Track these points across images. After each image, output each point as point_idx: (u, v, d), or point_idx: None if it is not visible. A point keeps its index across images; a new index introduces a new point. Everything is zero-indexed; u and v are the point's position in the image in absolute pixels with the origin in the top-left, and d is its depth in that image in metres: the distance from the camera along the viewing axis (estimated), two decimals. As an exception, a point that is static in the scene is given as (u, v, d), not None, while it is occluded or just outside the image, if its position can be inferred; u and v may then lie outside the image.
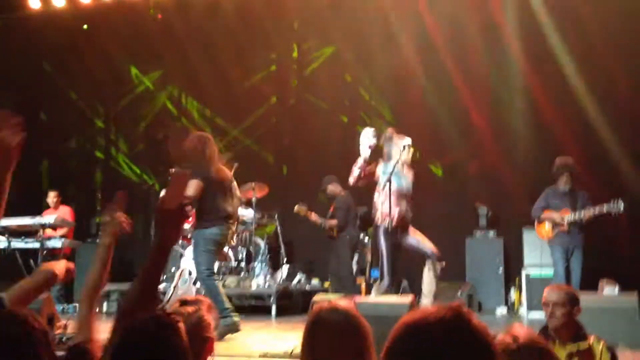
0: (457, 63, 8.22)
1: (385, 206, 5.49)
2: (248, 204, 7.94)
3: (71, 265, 2.40)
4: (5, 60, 9.57)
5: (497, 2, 8.18)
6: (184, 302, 2.24)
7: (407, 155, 5.65)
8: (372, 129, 5.64)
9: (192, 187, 5.00)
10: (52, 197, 8.37)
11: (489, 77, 8.30)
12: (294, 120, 9.28)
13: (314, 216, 7.79)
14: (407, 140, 5.68)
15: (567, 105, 7.81)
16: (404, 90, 8.61)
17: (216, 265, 6.80)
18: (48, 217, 7.71)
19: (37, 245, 7.49)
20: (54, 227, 7.80)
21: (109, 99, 9.95)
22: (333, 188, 7.80)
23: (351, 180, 5.66)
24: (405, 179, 5.70)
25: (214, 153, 5.27)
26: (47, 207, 8.34)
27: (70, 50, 9.59)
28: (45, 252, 7.61)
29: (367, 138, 5.56)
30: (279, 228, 8.21)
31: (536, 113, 7.98)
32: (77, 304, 7.87)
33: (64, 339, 4.28)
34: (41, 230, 7.59)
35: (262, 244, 7.81)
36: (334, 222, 7.70)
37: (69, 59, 9.66)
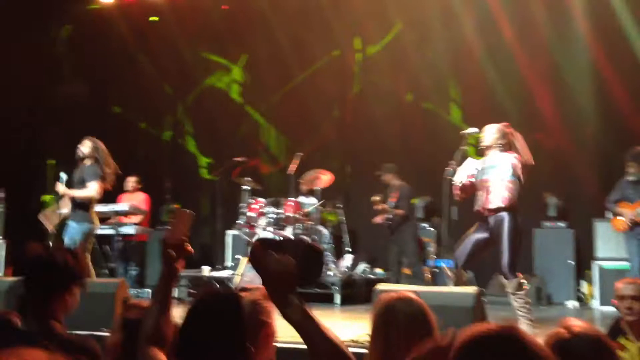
0: (520, 41, 7.94)
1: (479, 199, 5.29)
2: (311, 192, 8.00)
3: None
4: (78, 52, 9.96)
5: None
6: (242, 289, 2.29)
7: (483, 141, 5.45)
8: (479, 161, 5.43)
9: (95, 190, 5.84)
10: (131, 182, 8.62)
11: (555, 56, 7.97)
12: (357, 109, 9.24)
13: (383, 206, 7.82)
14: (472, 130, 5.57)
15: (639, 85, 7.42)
16: (464, 71, 8.42)
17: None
18: (122, 205, 7.98)
19: (111, 232, 7.78)
20: (127, 214, 8.05)
21: (176, 89, 10.19)
22: (389, 178, 7.84)
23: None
24: (495, 167, 5.37)
25: (106, 156, 6.05)
26: (124, 191, 8.59)
27: (139, 42, 9.88)
28: (119, 239, 7.91)
29: (470, 168, 5.37)
30: (342, 217, 8.24)
31: (606, 95, 7.58)
32: (150, 289, 8.22)
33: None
34: (115, 217, 7.87)
35: (326, 232, 7.87)
36: (400, 211, 7.72)
37: (138, 50, 9.95)
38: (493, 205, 5.07)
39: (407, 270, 7.78)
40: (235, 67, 9.89)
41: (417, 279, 7.45)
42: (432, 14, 8.54)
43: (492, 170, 5.23)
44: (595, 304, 7.02)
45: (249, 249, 1.53)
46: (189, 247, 2.00)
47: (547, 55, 7.99)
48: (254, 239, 1.52)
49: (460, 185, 5.32)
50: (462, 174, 5.34)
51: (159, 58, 9.87)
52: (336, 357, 1.50)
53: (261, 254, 1.50)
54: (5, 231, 7.96)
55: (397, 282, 7.39)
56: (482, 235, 5.17)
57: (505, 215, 5.03)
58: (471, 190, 5.38)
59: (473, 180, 5.34)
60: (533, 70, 7.94)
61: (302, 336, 1.48)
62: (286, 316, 1.47)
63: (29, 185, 9.35)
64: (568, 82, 7.95)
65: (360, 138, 9.06)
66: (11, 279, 5.92)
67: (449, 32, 8.46)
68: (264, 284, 1.51)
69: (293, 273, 1.48)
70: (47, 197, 9.13)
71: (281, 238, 1.61)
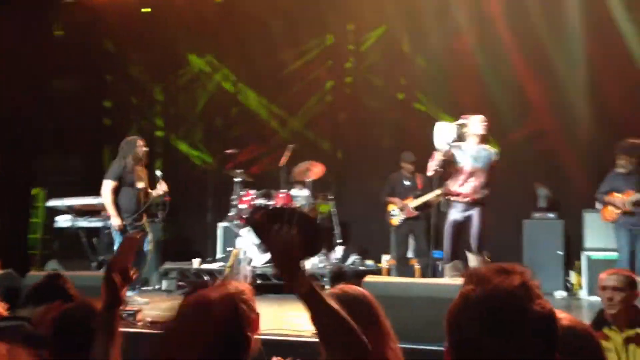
0: (513, 35, 7.96)
1: (456, 186, 5.66)
2: (303, 184, 7.99)
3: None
4: (69, 43, 9.86)
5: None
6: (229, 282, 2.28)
7: (470, 130, 5.65)
8: (454, 125, 5.62)
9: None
10: None
11: (547, 50, 7.97)
12: (349, 100, 9.23)
13: (404, 203, 7.67)
14: (465, 120, 5.70)
15: (631, 80, 7.44)
16: (458, 66, 8.39)
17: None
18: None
19: (99, 224, 7.76)
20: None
21: (166, 81, 10.13)
22: (410, 167, 7.75)
23: (429, 174, 5.86)
24: (478, 157, 5.70)
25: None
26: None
27: (130, 34, 9.79)
28: (107, 231, 7.89)
29: (447, 133, 5.53)
30: (334, 208, 8.23)
31: (598, 89, 7.63)
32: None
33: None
34: (104, 210, 7.84)
35: (316, 224, 7.83)
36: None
37: (129, 42, 9.88)
38: (479, 195, 5.31)
39: (414, 261, 7.70)
40: (227, 58, 9.83)
41: (426, 271, 7.30)
42: (426, 5, 8.53)
43: (480, 160, 5.45)
44: (583, 294, 7.07)
45: (248, 224, 1.58)
46: (133, 273, 1.94)
47: (540, 49, 7.99)
48: (253, 211, 1.56)
49: (444, 153, 5.50)
50: (443, 141, 5.52)
51: (150, 51, 9.81)
52: (342, 330, 1.53)
53: (264, 229, 1.53)
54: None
55: (402, 274, 7.36)
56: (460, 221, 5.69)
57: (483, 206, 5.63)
58: (448, 166, 5.65)
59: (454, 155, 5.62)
60: (525, 64, 7.97)
61: (308, 309, 1.53)
62: (293, 289, 1.52)
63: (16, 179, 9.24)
64: (560, 76, 7.97)
65: (353, 127, 9.05)
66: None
67: (441, 24, 8.45)
68: (271, 257, 1.55)
69: (296, 247, 1.52)
70: (36, 190, 9.10)
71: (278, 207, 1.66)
